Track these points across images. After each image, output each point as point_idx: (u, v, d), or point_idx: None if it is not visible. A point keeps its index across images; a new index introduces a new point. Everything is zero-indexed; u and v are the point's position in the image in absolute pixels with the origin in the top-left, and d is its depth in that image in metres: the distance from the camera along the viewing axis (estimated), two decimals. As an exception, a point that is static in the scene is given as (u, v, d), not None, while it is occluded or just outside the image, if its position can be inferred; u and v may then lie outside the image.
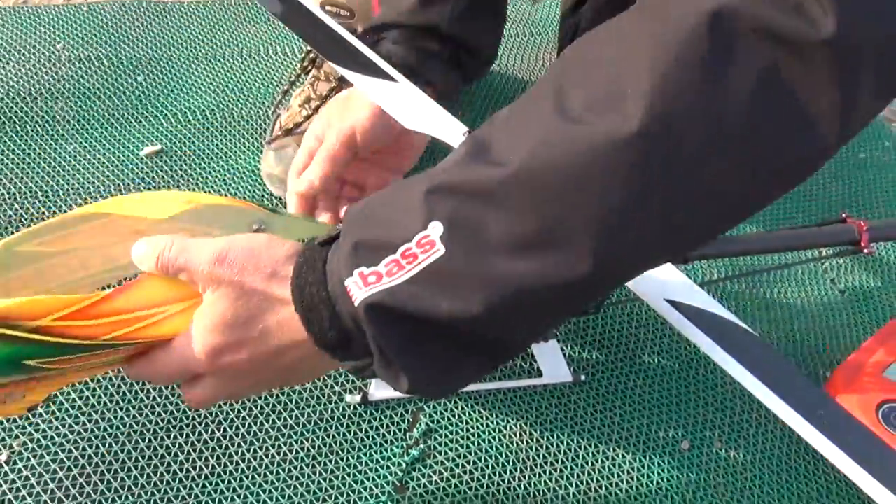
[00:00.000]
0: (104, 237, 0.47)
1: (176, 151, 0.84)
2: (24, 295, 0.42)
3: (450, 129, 0.57)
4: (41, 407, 0.61)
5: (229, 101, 0.91)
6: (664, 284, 0.56)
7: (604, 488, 0.63)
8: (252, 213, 0.52)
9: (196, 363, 0.44)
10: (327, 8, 0.80)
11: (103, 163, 0.82)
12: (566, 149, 0.37)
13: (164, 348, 0.44)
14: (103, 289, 0.44)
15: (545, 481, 0.63)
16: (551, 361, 0.68)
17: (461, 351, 0.41)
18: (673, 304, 0.56)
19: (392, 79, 0.59)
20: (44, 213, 0.76)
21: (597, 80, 0.38)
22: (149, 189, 0.80)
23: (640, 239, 0.39)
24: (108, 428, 0.61)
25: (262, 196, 0.81)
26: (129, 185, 0.80)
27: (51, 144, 0.83)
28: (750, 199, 0.41)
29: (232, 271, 0.43)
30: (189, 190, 0.80)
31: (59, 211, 0.77)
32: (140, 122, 0.87)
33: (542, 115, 0.39)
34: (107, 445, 0.60)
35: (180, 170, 0.82)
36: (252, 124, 0.88)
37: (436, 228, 0.38)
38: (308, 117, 0.80)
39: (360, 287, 0.39)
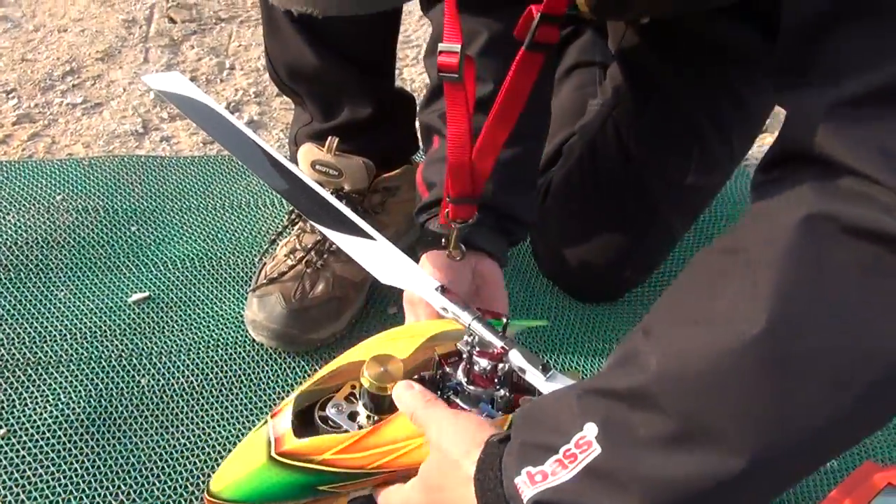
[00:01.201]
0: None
1: (163, 298, 0.87)
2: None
3: (423, 285, 0.61)
4: None
5: (217, 250, 0.95)
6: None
7: None
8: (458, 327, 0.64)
9: None
10: (317, 167, 0.86)
11: (91, 309, 0.85)
12: (701, 351, 0.41)
13: (389, 488, 0.56)
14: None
15: None
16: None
17: None
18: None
19: (370, 237, 0.64)
20: (29, 358, 0.78)
21: (719, 289, 0.43)
22: (135, 334, 0.82)
23: (788, 430, 0.41)
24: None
25: (245, 342, 0.83)
26: (115, 330, 0.82)
27: (42, 291, 0.86)
28: (884, 382, 0.42)
29: (445, 440, 0.51)
30: (172, 334, 0.83)
31: (47, 353, 0.79)
32: (130, 269, 0.91)
33: (676, 323, 0.44)
34: None
35: (165, 315, 0.85)
36: (238, 272, 0.92)
37: (591, 429, 0.43)
38: (293, 267, 0.84)
39: (528, 485, 0.44)
